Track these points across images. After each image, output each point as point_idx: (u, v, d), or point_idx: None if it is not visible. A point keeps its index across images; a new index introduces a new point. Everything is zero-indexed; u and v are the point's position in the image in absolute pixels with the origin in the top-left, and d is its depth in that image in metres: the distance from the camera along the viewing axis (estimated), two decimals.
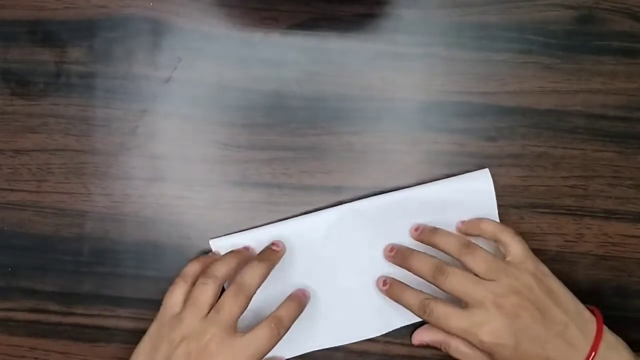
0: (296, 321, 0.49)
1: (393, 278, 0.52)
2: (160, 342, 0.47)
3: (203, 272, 0.49)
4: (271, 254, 0.51)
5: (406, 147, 0.54)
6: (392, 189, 0.53)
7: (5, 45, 0.54)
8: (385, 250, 0.53)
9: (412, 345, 0.53)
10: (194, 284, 0.48)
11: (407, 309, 0.50)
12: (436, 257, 0.49)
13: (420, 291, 0.50)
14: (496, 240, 0.50)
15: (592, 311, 0.48)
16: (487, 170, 0.53)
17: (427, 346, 0.53)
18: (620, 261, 0.54)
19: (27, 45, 0.54)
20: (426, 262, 0.49)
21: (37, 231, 0.54)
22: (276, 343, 0.47)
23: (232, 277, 0.49)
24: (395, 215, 0.52)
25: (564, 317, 0.47)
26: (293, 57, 0.54)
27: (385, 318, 0.53)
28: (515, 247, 0.49)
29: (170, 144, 0.54)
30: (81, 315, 0.54)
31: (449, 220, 0.52)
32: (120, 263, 0.54)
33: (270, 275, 0.49)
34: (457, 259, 0.49)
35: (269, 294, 0.50)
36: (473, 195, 0.52)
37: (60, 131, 0.54)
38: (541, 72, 0.54)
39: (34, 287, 0.54)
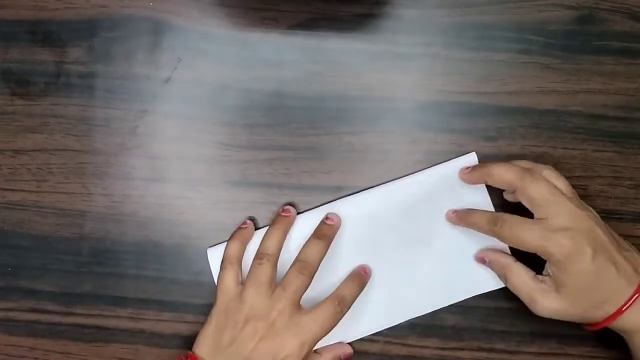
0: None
1: (463, 209, 0.52)
2: (224, 327, 0.48)
3: (256, 254, 0.49)
4: (327, 229, 0.51)
5: (406, 147, 0.54)
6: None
7: (5, 45, 0.54)
8: (447, 213, 0.52)
9: (412, 345, 0.53)
10: (240, 263, 0.50)
11: (476, 228, 0.49)
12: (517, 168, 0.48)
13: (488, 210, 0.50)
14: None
15: None
16: (473, 153, 0.53)
17: (433, 347, 0.53)
18: None
19: (27, 45, 0.54)
20: (511, 170, 0.48)
21: (37, 231, 0.54)
22: (338, 321, 0.48)
23: (280, 251, 0.50)
24: (388, 208, 0.52)
25: (629, 245, 0.48)
26: (293, 57, 0.54)
27: (394, 309, 0.53)
28: (561, 182, 0.49)
29: (170, 144, 0.54)
30: (81, 315, 0.54)
31: (443, 208, 0.52)
32: (120, 263, 0.54)
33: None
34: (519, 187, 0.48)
35: None
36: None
37: (60, 131, 0.54)
38: (541, 72, 0.54)
39: (34, 287, 0.54)
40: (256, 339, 0.47)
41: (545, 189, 0.47)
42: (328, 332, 0.47)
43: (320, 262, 0.49)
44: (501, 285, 0.51)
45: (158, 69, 0.54)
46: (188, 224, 0.54)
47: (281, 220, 0.51)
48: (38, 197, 0.54)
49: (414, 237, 0.53)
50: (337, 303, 0.48)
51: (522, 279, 0.48)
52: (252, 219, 0.53)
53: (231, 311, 0.48)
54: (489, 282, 0.52)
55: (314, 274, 0.48)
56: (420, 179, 0.53)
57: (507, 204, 0.52)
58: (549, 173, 0.49)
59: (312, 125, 0.54)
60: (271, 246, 0.50)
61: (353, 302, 0.49)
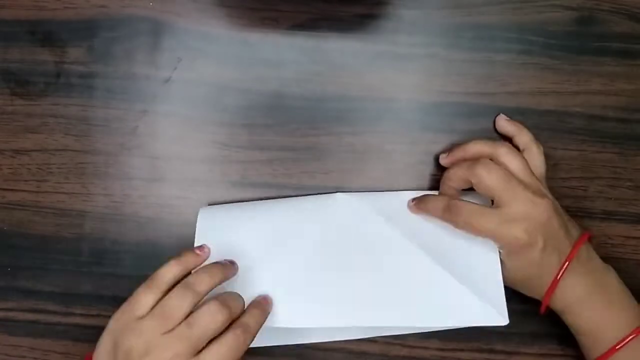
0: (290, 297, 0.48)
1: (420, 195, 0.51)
2: (118, 342, 0.42)
3: (184, 281, 0.44)
4: (228, 271, 0.46)
5: (406, 147, 0.54)
6: (392, 190, 0.53)
7: (5, 45, 0.54)
8: (408, 203, 0.52)
9: (412, 346, 0.53)
10: (168, 290, 0.43)
11: (433, 215, 0.49)
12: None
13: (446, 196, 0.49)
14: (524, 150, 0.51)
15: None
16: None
17: (433, 348, 0.53)
18: (620, 262, 0.53)
19: (27, 45, 0.54)
20: (462, 164, 0.49)
21: (37, 231, 0.54)
22: (243, 352, 0.43)
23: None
24: (392, 211, 0.52)
25: (575, 231, 0.48)
26: (293, 57, 0.54)
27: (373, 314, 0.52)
28: (539, 160, 0.50)
29: (170, 144, 0.54)
30: (81, 315, 0.54)
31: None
32: (120, 263, 0.54)
33: (256, 256, 0.49)
34: (493, 154, 0.48)
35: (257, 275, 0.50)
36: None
37: (60, 131, 0.54)
38: (541, 73, 0.54)
39: (34, 287, 0.54)
40: None
41: (499, 178, 0.46)
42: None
43: (240, 311, 0.44)
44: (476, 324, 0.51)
45: (158, 69, 0.54)
46: (188, 224, 0.53)
47: (227, 266, 0.46)
48: (38, 197, 0.54)
49: (408, 249, 0.52)
50: (240, 332, 0.42)
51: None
52: None
53: (127, 332, 0.42)
54: (469, 316, 0.51)
55: (231, 319, 0.43)
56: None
57: None
58: (505, 152, 0.48)
59: (312, 126, 0.54)
60: (205, 283, 0.43)
61: (257, 330, 0.44)
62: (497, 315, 0.50)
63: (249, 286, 0.49)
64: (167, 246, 0.54)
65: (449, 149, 0.52)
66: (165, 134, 0.54)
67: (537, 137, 0.53)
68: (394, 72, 0.54)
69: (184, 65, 0.54)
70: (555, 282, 0.47)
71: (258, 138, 0.54)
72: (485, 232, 0.46)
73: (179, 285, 0.43)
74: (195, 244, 0.49)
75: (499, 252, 0.48)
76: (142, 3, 0.54)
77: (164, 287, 0.44)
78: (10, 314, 0.54)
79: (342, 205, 0.52)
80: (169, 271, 0.44)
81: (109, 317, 0.53)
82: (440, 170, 0.54)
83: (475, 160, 0.48)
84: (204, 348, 0.42)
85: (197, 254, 0.46)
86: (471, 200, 0.48)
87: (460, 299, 0.51)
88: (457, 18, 0.54)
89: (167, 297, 0.43)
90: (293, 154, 0.54)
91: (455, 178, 0.49)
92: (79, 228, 0.54)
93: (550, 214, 0.46)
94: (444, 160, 0.52)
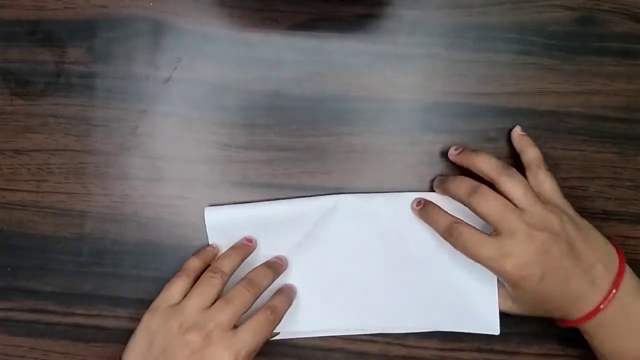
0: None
1: (428, 200, 0.52)
2: (156, 331, 0.46)
3: (210, 267, 0.49)
4: (278, 266, 0.52)
5: (406, 147, 0.54)
6: (392, 190, 0.53)
7: (5, 45, 0.54)
8: (412, 203, 0.52)
9: (412, 346, 0.53)
10: (195, 279, 0.49)
11: (434, 228, 0.50)
12: (473, 181, 0.49)
13: (451, 214, 0.49)
14: (529, 171, 0.50)
15: (616, 249, 0.48)
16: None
17: (433, 348, 0.53)
18: None
19: (27, 45, 0.54)
20: (464, 183, 0.48)
21: (36, 231, 0.54)
22: (271, 332, 0.48)
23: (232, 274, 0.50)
24: (394, 213, 0.52)
25: (592, 254, 0.47)
26: (293, 58, 0.54)
27: (373, 317, 0.53)
28: (547, 182, 0.49)
29: (170, 144, 0.54)
30: (81, 315, 0.54)
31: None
32: (120, 263, 0.54)
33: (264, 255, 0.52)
34: (495, 181, 0.48)
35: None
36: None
37: (60, 131, 0.54)
38: (541, 73, 0.54)
39: (34, 287, 0.54)
40: (187, 352, 0.45)
41: (495, 208, 0.47)
42: (262, 342, 0.47)
43: (266, 288, 0.49)
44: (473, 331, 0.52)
45: (158, 69, 0.54)
46: (188, 224, 0.54)
47: (243, 246, 0.52)
48: (38, 197, 0.54)
49: (411, 253, 0.53)
50: (269, 313, 0.48)
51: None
52: None
53: (168, 318, 0.47)
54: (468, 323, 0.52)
55: (258, 296, 0.48)
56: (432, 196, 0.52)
57: None
58: (506, 181, 0.47)
59: (312, 126, 0.54)
60: (227, 265, 0.49)
61: (284, 313, 0.49)
62: (488, 324, 0.51)
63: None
64: (167, 246, 0.54)
65: (461, 148, 0.52)
66: (165, 134, 0.54)
67: (537, 137, 0.53)
68: (394, 72, 0.54)
69: (184, 66, 0.54)
70: (596, 311, 0.46)
71: (258, 138, 0.54)
72: (480, 261, 0.47)
73: (205, 271, 0.49)
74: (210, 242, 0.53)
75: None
76: (142, 3, 0.54)
77: (191, 275, 0.49)
78: (10, 314, 0.54)
79: (343, 208, 0.52)
80: (192, 262, 0.50)
81: (109, 317, 0.54)
82: (440, 171, 0.54)
83: (475, 186, 0.48)
84: (238, 326, 0.47)
85: (211, 249, 0.52)
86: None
87: (454, 305, 0.52)
88: (458, 18, 0.54)
89: (198, 282, 0.49)
90: (293, 154, 0.54)
91: (453, 194, 0.49)
92: (79, 228, 0.54)
93: (547, 247, 0.46)
94: (453, 155, 0.52)
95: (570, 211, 0.49)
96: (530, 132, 0.53)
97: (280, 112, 0.54)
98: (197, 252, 0.52)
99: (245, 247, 0.52)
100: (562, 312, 0.48)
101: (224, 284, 0.49)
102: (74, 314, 0.54)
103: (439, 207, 0.50)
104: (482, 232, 0.47)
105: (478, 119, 0.54)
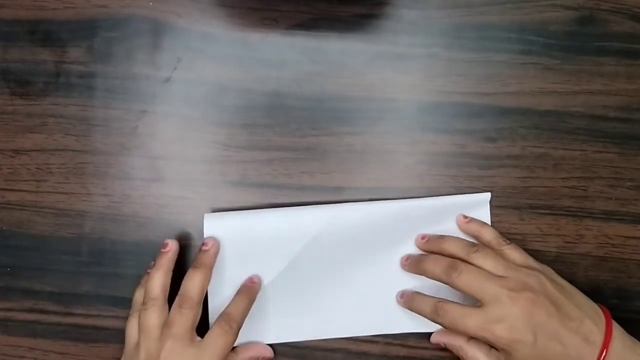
0: (279, 309, 0.52)
1: (407, 291, 0.52)
2: None
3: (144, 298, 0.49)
4: (204, 257, 0.50)
5: (406, 147, 0.54)
6: (391, 190, 0.53)
7: (5, 45, 0.54)
8: (401, 260, 0.53)
9: (412, 347, 0.53)
10: (165, 299, 0.49)
11: (421, 314, 0.50)
12: (449, 259, 0.49)
13: (433, 297, 0.50)
14: (491, 246, 0.51)
15: (599, 306, 0.48)
16: (488, 194, 0.53)
17: (433, 348, 0.53)
18: (620, 262, 0.54)
19: (26, 45, 0.54)
20: (439, 262, 0.49)
21: (36, 231, 0.54)
22: (233, 339, 0.47)
23: (166, 289, 0.49)
24: (392, 221, 0.52)
25: (578, 312, 0.46)
26: (293, 58, 0.54)
27: (370, 320, 0.53)
28: (515, 254, 0.50)
29: (170, 144, 0.54)
30: (80, 315, 0.54)
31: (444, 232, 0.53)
32: (119, 263, 0.54)
33: (258, 264, 0.51)
34: (467, 260, 0.49)
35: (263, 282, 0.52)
36: (469, 212, 0.53)
37: (60, 131, 0.54)
38: (541, 73, 0.54)
39: (33, 287, 0.54)
40: None
41: (472, 280, 0.47)
42: (226, 352, 0.47)
43: (203, 292, 0.48)
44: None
45: (158, 69, 0.54)
46: (188, 224, 0.53)
47: (161, 257, 0.50)
48: (37, 197, 0.54)
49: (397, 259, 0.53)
50: (223, 323, 0.47)
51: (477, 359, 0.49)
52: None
53: (133, 358, 0.47)
54: None
55: (197, 305, 0.48)
56: (424, 205, 0.52)
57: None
58: (477, 256, 0.48)
59: (312, 126, 0.54)
60: (154, 289, 0.48)
61: (243, 315, 0.49)
62: None
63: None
64: None
65: (427, 236, 0.52)
66: (165, 134, 0.54)
67: (538, 137, 0.53)
68: (394, 72, 0.54)
69: (184, 65, 0.54)
70: None
71: (258, 138, 0.54)
72: (471, 332, 0.47)
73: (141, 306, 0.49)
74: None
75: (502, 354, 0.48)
76: (142, 3, 0.54)
77: (139, 309, 0.49)
78: (10, 314, 0.54)
79: (341, 219, 0.52)
80: (138, 296, 0.51)
81: (109, 317, 0.54)
82: (440, 170, 0.54)
83: (451, 263, 0.48)
84: (199, 340, 0.47)
85: (164, 251, 0.51)
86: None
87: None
88: (457, 18, 0.53)
89: (139, 318, 0.48)
90: (293, 154, 0.54)
91: (430, 274, 0.50)
92: (79, 228, 0.54)
93: (530, 307, 0.46)
94: (421, 244, 0.52)
95: (548, 272, 0.49)
96: (531, 131, 0.53)
97: (280, 112, 0.54)
98: (140, 283, 0.51)
99: (164, 256, 0.50)
100: None
101: (162, 307, 0.48)
102: (73, 314, 0.54)
103: (419, 293, 0.51)
104: (466, 305, 0.48)
105: (478, 118, 0.54)
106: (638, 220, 0.54)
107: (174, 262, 0.50)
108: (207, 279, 0.49)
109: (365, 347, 0.53)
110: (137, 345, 0.47)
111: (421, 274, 0.51)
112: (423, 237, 0.52)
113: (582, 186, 0.54)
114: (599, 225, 0.54)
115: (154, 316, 0.47)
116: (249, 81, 0.54)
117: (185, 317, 0.47)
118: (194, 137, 0.54)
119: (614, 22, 0.54)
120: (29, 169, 0.54)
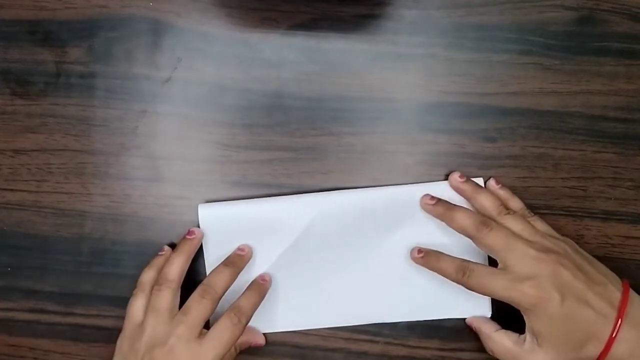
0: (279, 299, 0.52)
1: (428, 248, 0.52)
2: (127, 355, 0.47)
3: (156, 280, 0.49)
4: (238, 259, 0.51)
5: (406, 147, 0.54)
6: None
7: (5, 45, 0.54)
8: (413, 252, 0.52)
9: (412, 347, 0.53)
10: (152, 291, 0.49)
11: (445, 275, 0.49)
12: (478, 214, 0.50)
13: (456, 257, 0.49)
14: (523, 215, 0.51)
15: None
16: (481, 179, 0.53)
17: (433, 348, 0.53)
18: (620, 262, 0.54)
19: (26, 45, 0.54)
20: (472, 215, 0.49)
21: (36, 231, 0.54)
22: (240, 333, 0.47)
23: (183, 275, 0.50)
24: (389, 208, 0.52)
25: (602, 278, 0.47)
26: (293, 58, 0.54)
27: (368, 308, 0.53)
28: (540, 224, 0.50)
29: (170, 144, 0.54)
30: (81, 315, 0.54)
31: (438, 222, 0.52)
32: (119, 263, 0.54)
33: (258, 253, 0.52)
34: (496, 220, 0.49)
35: (257, 272, 0.53)
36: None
37: (60, 131, 0.54)
38: (541, 73, 0.54)
39: (34, 287, 0.54)
40: None
41: (501, 238, 0.47)
42: (230, 344, 0.47)
43: (225, 289, 0.49)
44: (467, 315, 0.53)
45: (158, 69, 0.54)
46: (188, 224, 0.53)
47: (184, 244, 0.51)
48: (37, 197, 0.54)
49: (396, 245, 0.53)
50: (233, 315, 0.47)
51: (505, 348, 0.49)
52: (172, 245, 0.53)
53: (134, 340, 0.47)
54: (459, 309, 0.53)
55: (218, 299, 0.48)
56: (414, 190, 0.52)
57: None
58: (508, 219, 0.49)
59: (311, 126, 0.54)
60: (172, 272, 0.49)
61: (253, 311, 0.49)
62: (479, 307, 0.52)
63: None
64: None
65: (424, 250, 0.52)
66: (165, 134, 0.54)
67: (537, 137, 0.53)
68: (394, 72, 0.54)
69: (184, 65, 0.54)
70: (610, 342, 0.45)
71: (258, 138, 0.54)
72: (497, 292, 0.47)
73: (155, 283, 0.49)
74: (203, 244, 0.52)
75: (528, 321, 0.48)
76: (142, 3, 0.54)
77: (147, 288, 0.49)
78: (10, 314, 0.54)
79: (338, 204, 0.52)
80: (146, 275, 0.50)
81: (109, 317, 0.54)
82: (440, 170, 0.54)
83: (481, 219, 0.48)
84: (206, 333, 0.47)
85: (161, 254, 0.52)
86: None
87: (443, 292, 0.52)
88: (457, 18, 0.54)
89: (150, 297, 0.48)
90: (293, 154, 0.54)
91: (459, 225, 0.49)
92: (79, 228, 0.54)
93: (557, 268, 0.46)
94: (417, 259, 0.52)
95: (571, 243, 0.49)
96: (530, 132, 0.53)
97: (280, 112, 0.54)
98: (149, 263, 0.51)
99: (187, 242, 0.51)
100: (587, 348, 0.46)
101: (175, 291, 0.48)
102: (74, 314, 0.54)
103: (441, 252, 0.51)
104: (491, 267, 0.48)
105: (478, 118, 0.54)
106: (638, 220, 0.54)
107: (195, 251, 0.51)
108: (233, 279, 0.50)
109: (365, 347, 0.53)
110: (142, 325, 0.47)
111: (448, 223, 0.50)
112: (419, 251, 0.52)
113: (581, 186, 0.54)
114: (598, 225, 0.54)
115: (167, 298, 0.47)
116: (249, 81, 0.54)
117: (204, 307, 0.47)
118: (194, 137, 0.54)
119: (614, 22, 0.54)
120: (29, 169, 0.54)
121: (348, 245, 0.53)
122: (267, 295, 0.52)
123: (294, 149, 0.54)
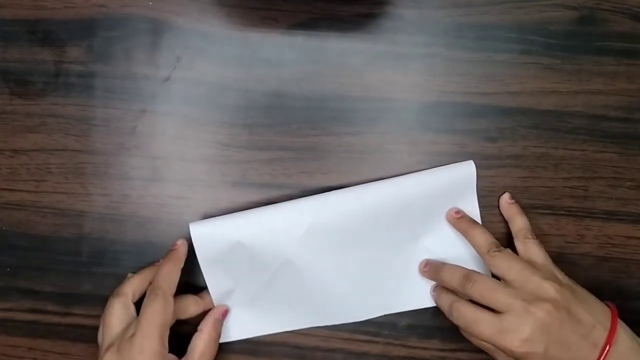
0: (275, 302, 0.52)
1: (434, 261, 0.53)
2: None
3: (149, 288, 0.49)
4: (173, 254, 0.51)
5: (406, 147, 0.54)
6: None
7: (4, 44, 0.54)
8: (420, 265, 0.53)
9: (412, 347, 0.53)
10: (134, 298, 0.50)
11: (447, 285, 0.50)
12: (466, 268, 0.50)
13: (453, 294, 0.50)
14: (517, 240, 0.51)
15: (608, 306, 0.48)
16: (471, 162, 0.53)
17: (433, 348, 0.53)
18: (621, 262, 0.54)
19: (26, 45, 0.54)
20: (455, 272, 0.50)
21: (36, 231, 0.54)
22: (163, 305, 0.47)
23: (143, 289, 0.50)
24: (382, 206, 0.52)
25: (590, 318, 0.47)
26: (293, 57, 0.54)
27: (363, 306, 0.53)
28: (537, 251, 0.50)
29: (169, 144, 0.54)
30: (80, 315, 0.54)
31: (433, 211, 0.53)
32: (119, 263, 0.54)
33: (254, 262, 0.51)
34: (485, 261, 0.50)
35: (258, 280, 0.52)
36: (456, 186, 0.53)
37: (60, 131, 0.54)
38: (542, 73, 0.53)
39: (33, 287, 0.54)
40: None
41: (484, 290, 0.48)
42: (165, 320, 0.47)
43: (173, 283, 0.49)
44: None
45: (157, 68, 0.54)
46: (188, 224, 0.53)
47: (170, 253, 0.51)
48: (37, 197, 0.54)
49: (400, 238, 0.53)
50: (148, 292, 0.48)
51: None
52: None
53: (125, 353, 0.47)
54: None
55: (168, 293, 0.48)
56: (411, 182, 0.52)
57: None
58: (498, 257, 0.49)
59: (311, 126, 0.54)
60: (131, 285, 0.50)
61: (167, 281, 0.49)
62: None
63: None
64: (166, 246, 0.53)
65: (429, 263, 0.53)
66: (164, 133, 0.54)
67: (538, 137, 0.53)
68: (394, 72, 0.54)
69: (184, 65, 0.54)
70: None
71: (258, 138, 0.54)
72: (483, 339, 0.47)
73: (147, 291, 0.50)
74: (200, 261, 0.51)
75: None
76: (141, 2, 0.54)
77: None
78: (10, 314, 0.54)
79: (330, 207, 0.51)
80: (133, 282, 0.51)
81: None
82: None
83: (466, 273, 0.49)
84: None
85: (153, 266, 0.52)
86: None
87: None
88: (458, 18, 0.53)
89: (142, 305, 0.49)
90: (293, 154, 0.54)
91: (447, 284, 0.50)
92: (79, 228, 0.54)
93: (549, 320, 0.46)
94: (423, 271, 0.53)
95: (562, 275, 0.49)
96: (531, 131, 0.53)
97: (280, 112, 0.54)
98: (138, 272, 0.52)
99: (173, 253, 0.51)
100: None
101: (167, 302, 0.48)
102: (73, 314, 0.54)
103: (441, 287, 0.52)
104: (482, 309, 0.48)
105: (478, 118, 0.53)
106: (639, 220, 0.54)
107: (182, 262, 0.50)
108: (177, 274, 0.50)
109: (365, 347, 0.53)
110: (130, 339, 0.46)
111: (440, 283, 0.52)
112: (425, 265, 0.53)
113: (582, 186, 0.54)
114: (599, 225, 0.54)
115: (117, 310, 0.48)
116: (249, 81, 0.54)
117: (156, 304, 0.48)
118: (194, 137, 0.54)
119: (615, 22, 0.53)
120: (28, 169, 0.54)
121: (345, 245, 0.52)
122: (267, 298, 0.52)
123: (294, 149, 0.54)
